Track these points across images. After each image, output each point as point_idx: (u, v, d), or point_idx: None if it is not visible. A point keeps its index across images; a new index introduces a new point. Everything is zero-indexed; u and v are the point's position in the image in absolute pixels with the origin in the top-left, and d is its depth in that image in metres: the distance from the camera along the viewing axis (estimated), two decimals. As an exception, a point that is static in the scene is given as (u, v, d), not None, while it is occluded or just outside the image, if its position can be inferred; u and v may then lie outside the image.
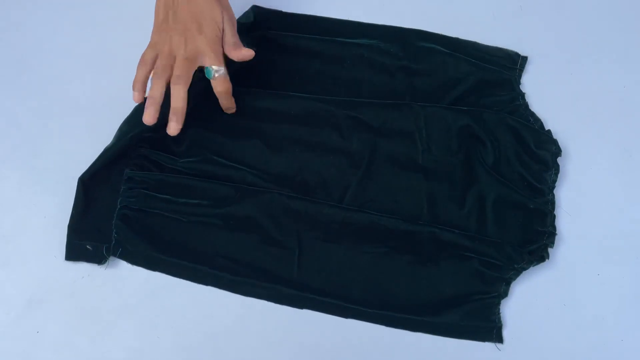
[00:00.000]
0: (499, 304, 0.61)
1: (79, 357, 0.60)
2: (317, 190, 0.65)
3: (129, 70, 0.61)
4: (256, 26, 0.72)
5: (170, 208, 0.64)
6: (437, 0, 0.76)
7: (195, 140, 0.66)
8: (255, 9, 0.72)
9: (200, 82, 0.62)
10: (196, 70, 0.61)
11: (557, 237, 0.63)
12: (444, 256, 0.62)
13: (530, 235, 0.63)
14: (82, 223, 0.63)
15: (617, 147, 0.69)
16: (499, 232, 0.63)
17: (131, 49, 0.63)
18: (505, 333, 0.60)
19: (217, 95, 0.63)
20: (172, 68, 0.60)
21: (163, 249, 0.63)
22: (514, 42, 0.73)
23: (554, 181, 0.66)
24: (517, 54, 0.72)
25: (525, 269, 0.61)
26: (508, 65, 0.71)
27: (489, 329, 0.60)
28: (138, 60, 0.61)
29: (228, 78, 0.62)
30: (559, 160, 0.66)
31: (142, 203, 0.64)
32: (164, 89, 0.60)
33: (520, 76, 0.71)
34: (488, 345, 0.60)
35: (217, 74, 0.61)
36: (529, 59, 0.72)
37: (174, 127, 0.60)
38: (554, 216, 0.64)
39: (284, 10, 0.74)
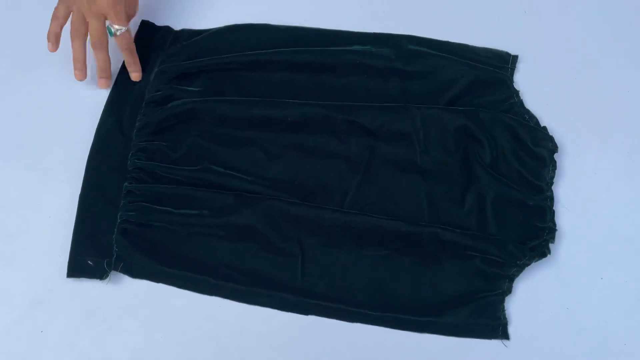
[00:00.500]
0: (503, 301, 0.61)
1: (81, 358, 0.59)
2: (316, 195, 0.65)
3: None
4: (244, 42, 0.73)
5: (170, 220, 0.64)
6: (441, 7, 0.77)
7: (192, 149, 0.67)
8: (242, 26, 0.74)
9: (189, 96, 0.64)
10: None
11: (557, 233, 0.63)
12: (446, 256, 0.62)
13: (530, 232, 0.63)
14: (82, 239, 0.63)
15: (613, 142, 0.69)
16: (500, 230, 0.63)
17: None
18: (511, 330, 0.60)
19: (122, 53, 0.69)
20: (85, 26, 0.66)
21: (165, 261, 0.62)
22: (511, 42, 0.74)
23: (552, 178, 0.66)
24: (507, 54, 0.73)
25: (527, 265, 0.61)
26: (499, 64, 0.72)
27: (494, 327, 0.60)
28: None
29: (131, 36, 0.69)
30: (555, 156, 0.67)
31: (142, 216, 0.64)
32: (83, 48, 0.68)
33: (512, 75, 0.72)
34: (494, 343, 0.60)
35: (119, 32, 0.67)
36: (520, 57, 0.73)
37: (104, 83, 0.71)
38: (554, 212, 0.64)
39: (273, 23, 0.75)
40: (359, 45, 0.73)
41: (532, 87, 0.71)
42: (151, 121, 0.68)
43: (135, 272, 0.62)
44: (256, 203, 0.63)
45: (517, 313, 0.61)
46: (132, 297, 0.62)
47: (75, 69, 0.69)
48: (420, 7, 0.77)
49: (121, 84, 0.71)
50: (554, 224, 0.64)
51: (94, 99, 0.70)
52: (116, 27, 0.66)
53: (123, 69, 0.71)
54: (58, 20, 0.68)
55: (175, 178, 0.65)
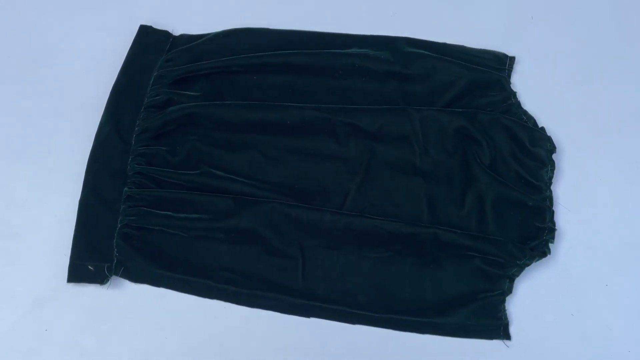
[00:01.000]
0: (504, 301, 0.61)
1: (85, 357, 0.60)
2: (316, 198, 0.65)
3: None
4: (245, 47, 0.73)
5: (171, 224, 0.64)
6: (439, 10, 0.78)
7: (192, 153, 0.67)
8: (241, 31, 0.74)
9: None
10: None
11: (557, 233, 0.63)
12: (447, 257, 0.62)
13: (530, 232, 0.63)
14: (82, 244, 0.63)
15: (610, 141, 0.70)
16: (499, 230, 0.63)
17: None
18: (512, 330, 0.61)
19: None
20: None
21: (166, 265, 0.63)
22: (508, 44, 0.74)
23: (551, 178, 0.66)
24: (504, 55, 0.73)
25: (527, 265, 0.62)
26: (497, 66, 0.72)
27: (495, 327, 0.60)
28: None
29: None
30: (554, 156, 0.67)
31: (143, 221, 0.64)
32: None
33: (510, 76, 0.72)
34: (496, 344, 0.60)
35: None
36: (517, 59, 0.73)
37: None
38: (553, 212, 0.64)
39: (272, 27, 0.75)
40: (357, 48, 0.73)
41: (529, 88, 0.72)
42: (150, 126, 0.67)
43: (136, 277, 0.62)
44: (256, 206, 0.63)
45: (519, 313, 0.61)
46: (137, 296, 0.62)
47: None
48: (420, 8, 0.78)
49: (120, 88, 0.70)
50: (554, 224, 0.64)
51: (102, 100, 0.70)
52: None
53: (122, 73, 0.71)
54: None
55: (175, 182, 0.65)
